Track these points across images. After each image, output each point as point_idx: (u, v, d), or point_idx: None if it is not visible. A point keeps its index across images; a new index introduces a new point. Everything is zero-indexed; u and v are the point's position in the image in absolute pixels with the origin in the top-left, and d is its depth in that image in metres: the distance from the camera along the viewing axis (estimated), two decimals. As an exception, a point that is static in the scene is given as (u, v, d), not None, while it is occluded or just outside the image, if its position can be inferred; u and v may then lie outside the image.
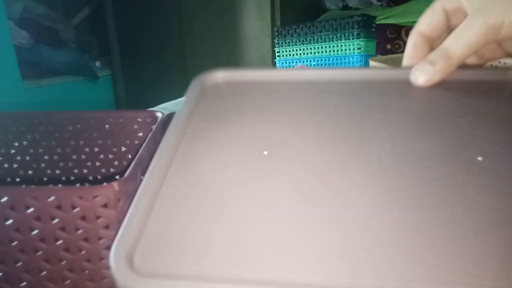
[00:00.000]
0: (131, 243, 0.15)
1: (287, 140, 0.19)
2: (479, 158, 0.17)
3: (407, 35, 1.17)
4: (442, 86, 0.23)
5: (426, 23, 0.27)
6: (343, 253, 0.14)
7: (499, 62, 0.57)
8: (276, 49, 1.05)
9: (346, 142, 0.19)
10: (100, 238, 0.23)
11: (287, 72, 0.24)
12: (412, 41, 0.27)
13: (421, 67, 0.23)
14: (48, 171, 0.37)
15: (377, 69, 0.24)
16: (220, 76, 0.25)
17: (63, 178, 0.37)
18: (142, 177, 0.28)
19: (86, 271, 0.24)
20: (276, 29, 1.04)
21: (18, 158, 0.37)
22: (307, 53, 1.00)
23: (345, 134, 0.19)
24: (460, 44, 0.23)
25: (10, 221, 0.22)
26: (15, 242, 0.23)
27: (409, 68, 0.24)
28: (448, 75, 0.23)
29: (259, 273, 0.13)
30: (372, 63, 0.60)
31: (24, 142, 0.37)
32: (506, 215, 0.14)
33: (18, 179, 0.37)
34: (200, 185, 0.17)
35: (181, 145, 0.20)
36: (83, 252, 0.23)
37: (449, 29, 0.26)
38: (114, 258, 0.14)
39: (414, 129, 0.19)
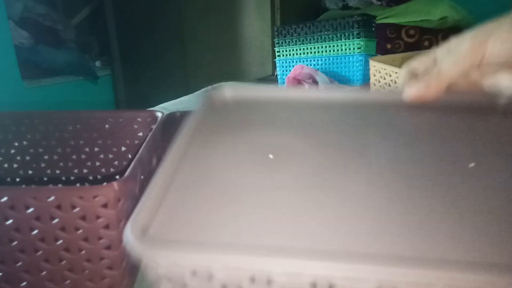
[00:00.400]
0: (146, 219, 0.16)
1: (291, 147, 0.21)
2: (472, 165, 0.19)
3: (407, 34, 1.17)
4: (435, 108, 0.24)
5: (417, 62, 0.28)
6: (339, 229, 0.15)
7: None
8: (276, 49, 1.04)
9: (347, 150, 0.21)
10: (100, 238, 0.23)
11: (292, 91, 0.27)
12: (406, 71, 0.28)
13: (413, 83, 0.25)
14: (48, 171, 0.37)
15: (374, 92, 0.27)
16: (228, 91, 0.27)
17: (63, 178, 0.37)
18: (142, 177, 0.28)
19: (86, 271, 0.24)
20: (276, 29, 1.04)
21: (18, 158, 0.37)
22: (307, 53, 1.00)
23: (346, 144, 0.21)
24: (449, 61, 0.24)
25: (10, 221, 0.22)
26: (15, 242, 0.23)
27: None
28: (439, 91, 0.24)
29: (256, 239, 0.15)
30: (372, 62, 0.60)
31: (24, 142, 0.37)
32: (488, 207, 0.16)
33: (18, 179, 0.37)
34: (209, 176, 0.19)
35: (192, 146, 0.21)
36: (83, 252, 0.23)
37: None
38: (130, 229, 0.15)
39: (410, 141, 0.21)
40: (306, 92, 0.26)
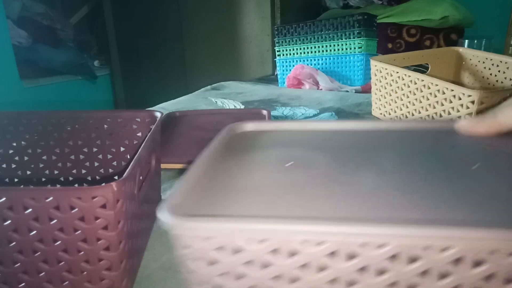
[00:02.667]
0: (178, 201, 0.18)
1: (307, 158, 0.24)
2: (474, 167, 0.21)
3: (408, 34, 1.17)
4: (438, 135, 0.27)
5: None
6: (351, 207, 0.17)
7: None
8: (276, 48, 1.04)
9: (360, 159, 0.24)
10: (99, 239, 0.23)
11: (306, 123, 0.30)
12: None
13: (472, 119, 0.28)
14: (47, 172, 0.37)
15: (379, 122, 0.30)
16: (248, 125, 0.30)
17: (62, 179, 0.37)
18: (141, 177, 0.27)
19: (85, 273, 0.24)
20: (276, 28, 1.04)
21: (17, 158, 0.36)
22: (308, 52, 0.99)
23: (359, 155, 0.24)
24: (507, 112, 0.26)
25: (8, 222, 0.22)
26: (13, 243, 0.23)
27: (404, 121, 0.29)
28: (488, 131, 0.26)
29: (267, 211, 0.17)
30: (373, 62, 0.60)
31: (23, 142, 0.36)
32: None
33: (16, 180, 0.37)
34: (233, 173, 0.22)
35: (215, 158, 0.25)
36: (82, 253, 0.23)
37: None
38: (164, 206, 0.17)
39: (413, 153, 0.24)
40: (324, 123, 0.30)
